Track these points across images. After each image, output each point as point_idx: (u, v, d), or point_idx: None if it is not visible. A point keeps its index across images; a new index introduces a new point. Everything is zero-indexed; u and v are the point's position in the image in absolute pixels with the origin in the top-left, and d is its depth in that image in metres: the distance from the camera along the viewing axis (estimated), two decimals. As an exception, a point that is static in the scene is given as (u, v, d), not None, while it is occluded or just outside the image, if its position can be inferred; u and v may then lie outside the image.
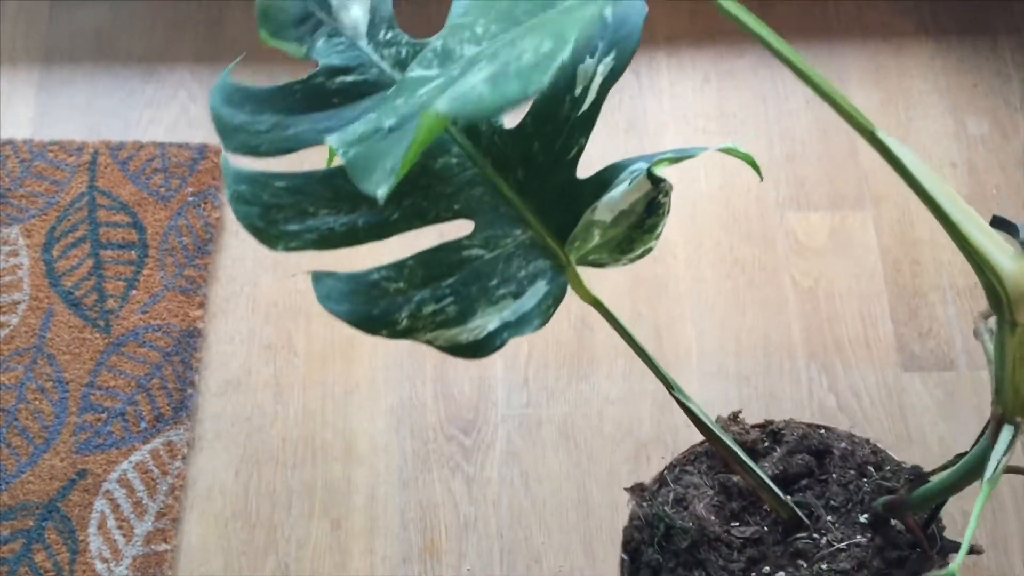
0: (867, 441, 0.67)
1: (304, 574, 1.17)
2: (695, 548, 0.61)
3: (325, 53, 0.52)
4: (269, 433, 1.25)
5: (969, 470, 0.51)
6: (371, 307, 0.51)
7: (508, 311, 0.54)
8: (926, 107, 1.45)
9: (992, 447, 0.44)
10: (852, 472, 0.64)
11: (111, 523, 1.19)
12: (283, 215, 0.51)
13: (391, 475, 1.22)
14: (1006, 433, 0.44)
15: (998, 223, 0.41)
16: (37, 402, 1.25)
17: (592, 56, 0.52)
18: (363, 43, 0.52)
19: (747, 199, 1.38)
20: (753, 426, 0.68)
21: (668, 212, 0.54)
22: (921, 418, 1.24)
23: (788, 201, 1.38)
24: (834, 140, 1.43)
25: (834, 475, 0.63)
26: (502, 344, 0.54)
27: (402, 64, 0.53)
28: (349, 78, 0.52)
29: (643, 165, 0.53)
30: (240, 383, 1.27)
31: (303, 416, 1.26)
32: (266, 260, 1.32)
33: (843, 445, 0.66)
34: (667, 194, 0.54)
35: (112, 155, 1.39)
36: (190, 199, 1.37)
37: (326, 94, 0.52)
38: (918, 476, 0.60)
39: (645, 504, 0.64)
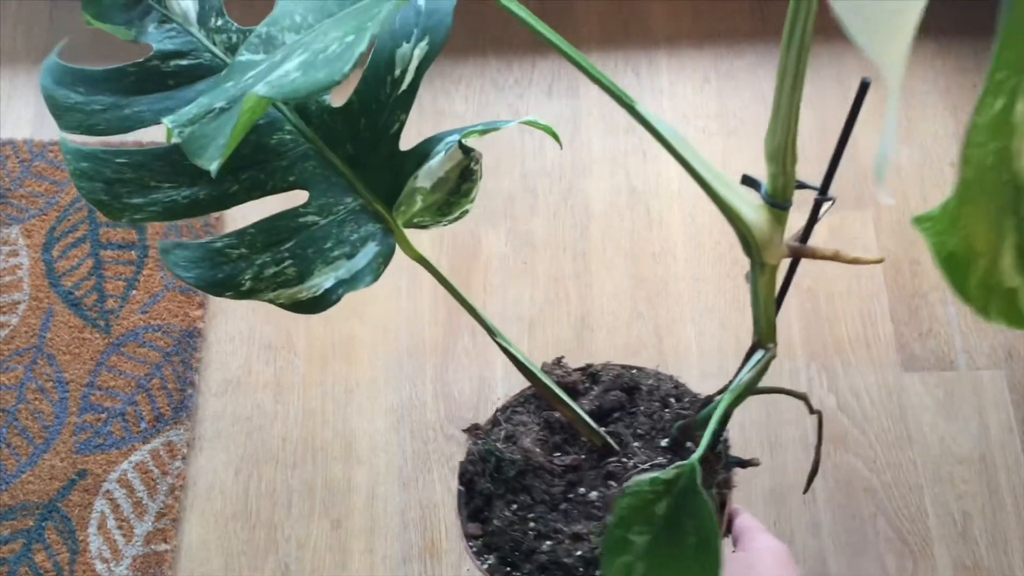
0: (671, 377, 0.75)
1: (304, 574, 1.17)
2: (522, 476, 0.68)
3: (158, 38, 0.55)
4: (269, 433, 1.25)
5: (741, 392, 0.58)
6: (216, 272, 0.56)
7: (343, 270, 0.59)
8: (926, 107, 1.45)
9: (746, 360, 0.52)
10: (656, 404, 0.72)
11: (111, 523, 1.19)
12: (126, 190, 0.54)
13: (391, 475, 1.22)
14: (757, 355, 0.51)
15: (746, 180, 0.48)
16: (37, 402, 1.25)
17: (408, 41, 0.58)
18: (195, 29, 0.56)
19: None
20: (575, 369, 0.75)
21: (480, 178, 0.62)
22: (921, 418, 1.24)
23: (788, 201, 1.38)
24: (834, 140, 1.42)
25: (641, 408, 0.72)
26: (338, 299, 0.59)
27: (233, 49, 0.57)
28: (184, 62, 0.56)
29: (456, 137, 0.60)
30: (240, 383, 1.27)
31: (303, 416, 1.26)
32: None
33: (650, 382, 0.74)
34: (478, 162, 0.62)
35: (112, 155, 1.39)
36: (190, 199, 1.37)
37: (161, 76, 0.55)
38: (708, 401, 0.68)
39: (480, 442, 0.71)
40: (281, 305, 0.59)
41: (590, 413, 0.70)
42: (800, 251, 0.45)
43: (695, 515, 0.44)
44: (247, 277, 0.57)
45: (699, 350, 1.28)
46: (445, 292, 0.65)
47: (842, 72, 1.47)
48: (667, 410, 0.71)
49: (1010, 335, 1.30)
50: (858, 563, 1.16)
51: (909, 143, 1.43)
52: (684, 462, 0.48)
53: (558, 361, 0.76)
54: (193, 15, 0.55)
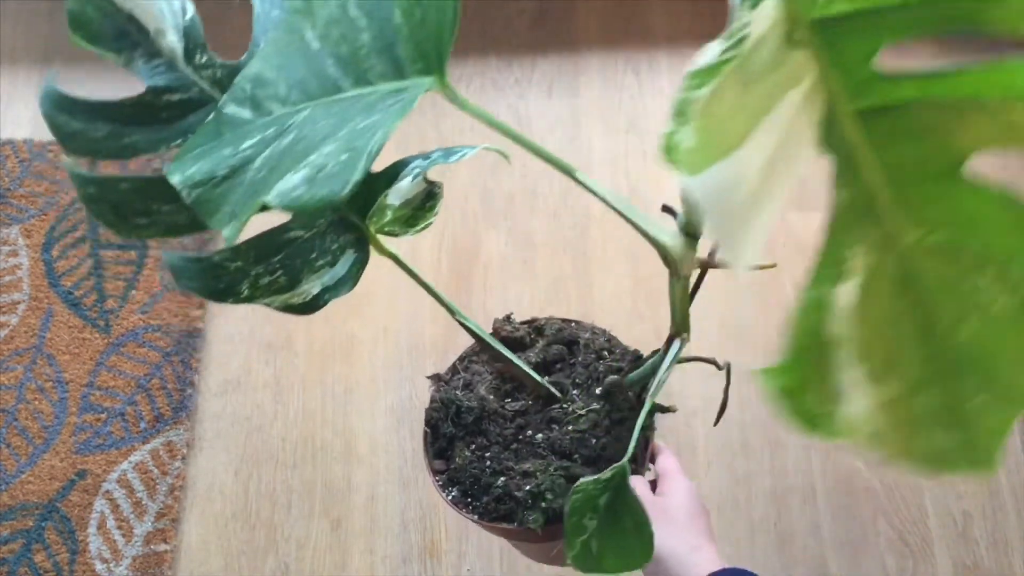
0: (604, 331, 0.85)
1: (304, 574, 1.17)
2: (479, 421, 0.79)
3: (148, 75, 0.59)
4: (269, 433, 1.25)
5: (656, 364, 0.70)
6: (217, 282, 0.63)
7: (327, 277, 0.66)
8: (926, 107, 1.45)
9: (665, 353, 0.65)
10: (592, 356, 0.82)
11: (111, 523, 1.18)
12: (131, 211, 0.60)
13: (391, 475, 1.22)
14: (676, 345, 0.64)
15: (665, 209, 0.58)
16: (37, 402, 1.25)
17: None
18: (181, 65, 0.60)
19: (747, 199, 1.38)
20: (522, 323, 0.85)
21: (441, 197, 0.70)
22: (921, 418, 1.24)
23: (788, 201, 1.38)
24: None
25: (580, 359, 0.82)
26: (325, 303, 0.66)
27: (219, 83, 0.61)
28: (175, 97, 0.61)
29: (421, 163, 0.66)
30: (240, 383, 1.27)
31: (303, 416, 1.25)
32: (266, 260, 1.32)
33: (587, 335, 0.83)
34: (439, 188, 0.70)
35: (112, 155, 1.40)
36: (190, 199, 1.37)
37: (155, 110, 0.60)
38: (636, 358, 0.81)
39: (442, 389, 0.81)
40: (277, 308, 0.65)
41: (536, 364, 0.80)
42: (707, 263, 0.58)
43: (628, 504, 0.58)
44: (245, 286, 0.63)
45: (699, 350, 1.28)
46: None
47: (842, 72, 1.47)
48: (601, 362, 0.82)
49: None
50: (858, 563, 1.16)
51: (909, 143, 1.43)
52: (617, 465, 0.60)
53: (507, 318, 0.85)
54: (179, 52, 0.59)
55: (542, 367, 0.80)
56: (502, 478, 0.76)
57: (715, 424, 0.70)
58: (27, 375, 1.26)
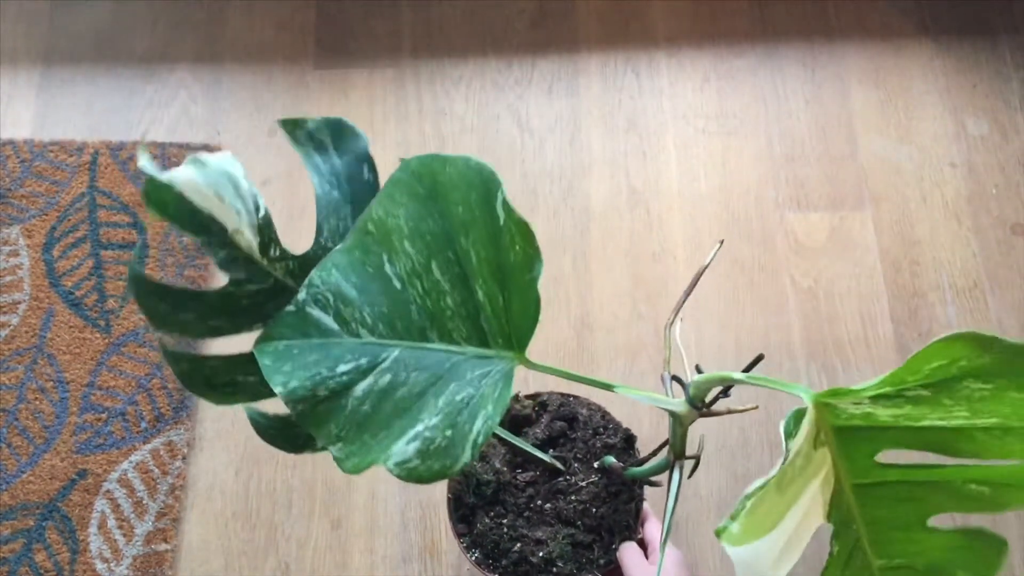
0: (599, 407, 0.96)
1: (304, 574, 1.17)
2: (496, 492, 0.90)
3: (229, 267, 0.62)
4: (269, 433, 1.25)
5: (655, 470, 0.80)
6: (297, 439, 0.73)
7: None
8: (926, 107, 1.45)
9: (671, 476, 0.71)
10: (590, 432, 0.93)
11: (111, 523, 1.19)
12: (220, 382, 0.66)
13: (391, 475, 1.22)
14: (677, 470, 0.71)
15: (674, 378, 0.69)
16: (37, 402, 1.25)
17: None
18: (258, 258, 0.63)
19: (747, 199, 1.39)
20: (527, 396, 0.97)
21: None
22: (921, 418, 1.24)
23: (788, 201, 1.38)
24: (834, 140, 1.43)
25: (579, 435, 0.93)
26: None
27: (292, 274, 0.65)
28: (253, 287, 0.64)
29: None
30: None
31: (303, 416, 1.26)
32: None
33: (584, 411, 0.95)
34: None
35: (112, 155, 1.40)
36: (190, 199, 1.37)
37: (237, 299, 0.64)
38: (628, 438, 0.94)
39: None
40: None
41: (542, 440, 0.92)
42: (704, 414, 0.66)
43: None
44: (320, 443, 0.71)
45: (699, 350, 1.28)
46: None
47: (842, 72, 1.47)
48: (597, 438, 0.93)
49: (1010, 335, 1.30)
50: (858, 563, 1.17)
51: (909, 143, 1.43)
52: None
53: (515, 396, 0.95)
54: (255, 247, 0.62)
55: (548, 441, 0.92)
56: (518, 544, 0.88)
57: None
58: (28, 375, 1.26)
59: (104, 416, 1.24)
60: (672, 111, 1.45)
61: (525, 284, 0.58)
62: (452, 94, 1.46)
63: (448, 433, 0.56)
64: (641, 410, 1.24)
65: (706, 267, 0.73)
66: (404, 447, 0.57)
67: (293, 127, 0.65)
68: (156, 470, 1.21)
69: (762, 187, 1.39)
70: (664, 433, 1.24)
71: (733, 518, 0.46)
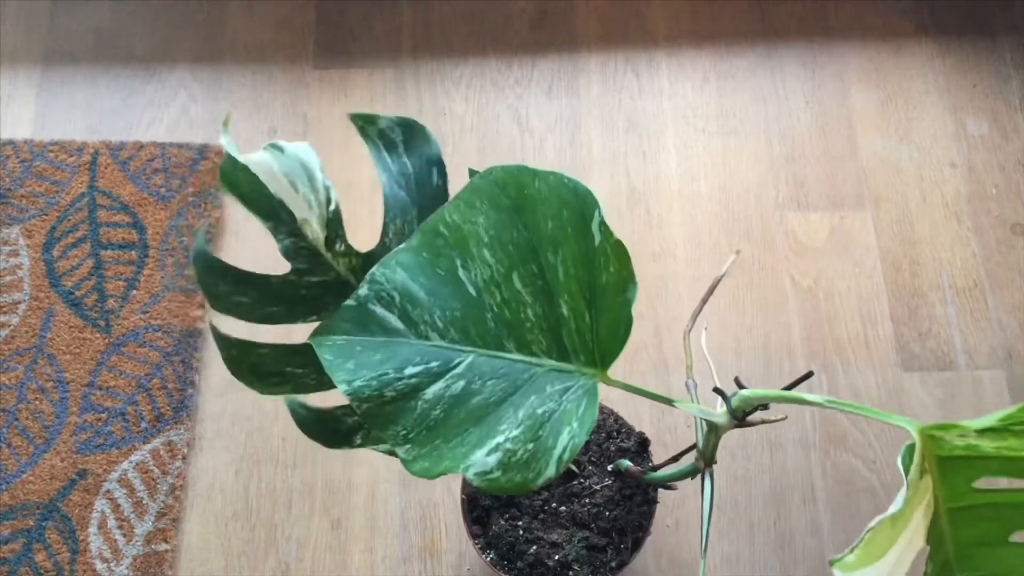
0: (611, 411, 0.97)
1: (304, 574, 1.17)
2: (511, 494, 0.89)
3: (292, 257, 0.63)
4: (269, 433, 1.25)
5: (679, 476, 0.79)
6: (336, 434, 0.72)
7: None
8: (926, 107, 1.45)
9: (703, 486, 0.71)
10: (603, 436, 0.94)
11: (111, 523, 1.19)
12: (267, 371, 0.66)
13: (391, 475, 1.22)
14: (708, 478, 0.71)
15: (717, 391, 0.67)
16: (37, 402, 1.25)
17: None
18: (323, 251, 0.63)
19: (747, 199, 1.39)
20: None
21: None
22: (921, 418, 1.24)
23: (788, 201, 1.38)
24: (834, 140, 1.43)
25: (593, 438, 0.94)
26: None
27: (354, 271, 0.65)
28: (315, 278, 0.64)
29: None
30: (240, 383, 1.27)
31: (303, 416, 1.26)
32: (267, 259, 1.32)
33: (599, 416, 0.94)
34: None
35: (112, 155, 1.40)
36: (190, 199, 1.37)
37: (296, 288, 0.65)
38: (641, 441, 0.94)
39: None
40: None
41: None
42: (739, 424, 0.67)
43: None
44: (358, 437, 0.73)
45: (698, 349, 1.28)
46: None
47: (842, 72, 1.47)
48: (611, 441, 0.94)
49: (1010, 335, 1.30)
50: (858, 563, 1.17)
51: (909, 143, 1.43)
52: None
53: None
54: (322, 239, 0.62)
55: None
56: (534, 546, 0.88)
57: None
58: (28, 375, 1.26)
59: (104, 416, 1.24)
60: (672, 111, 1.45)
61: (618, 305, 0.57)
62: (452, 94, 1.46)
63: (530, 447, 0.56)
64: (642, 410, 1.24)
65: (722, 277, 0.73)
66: (485, 458, 0.56)
67: (364, 123, 0.64)
68: (156, 470, 1.21)
69: (762, 187, 1.39)
70: (665, 434, 1.24)
71: (851, 548, 0.49)
